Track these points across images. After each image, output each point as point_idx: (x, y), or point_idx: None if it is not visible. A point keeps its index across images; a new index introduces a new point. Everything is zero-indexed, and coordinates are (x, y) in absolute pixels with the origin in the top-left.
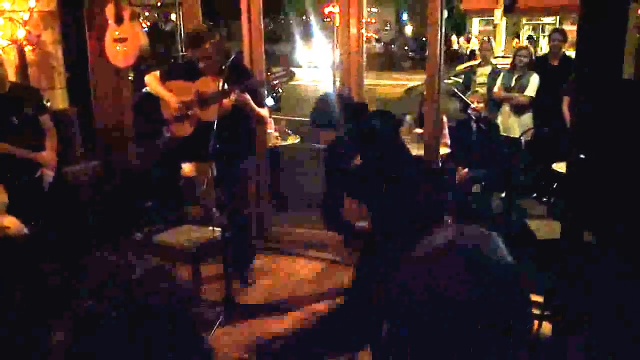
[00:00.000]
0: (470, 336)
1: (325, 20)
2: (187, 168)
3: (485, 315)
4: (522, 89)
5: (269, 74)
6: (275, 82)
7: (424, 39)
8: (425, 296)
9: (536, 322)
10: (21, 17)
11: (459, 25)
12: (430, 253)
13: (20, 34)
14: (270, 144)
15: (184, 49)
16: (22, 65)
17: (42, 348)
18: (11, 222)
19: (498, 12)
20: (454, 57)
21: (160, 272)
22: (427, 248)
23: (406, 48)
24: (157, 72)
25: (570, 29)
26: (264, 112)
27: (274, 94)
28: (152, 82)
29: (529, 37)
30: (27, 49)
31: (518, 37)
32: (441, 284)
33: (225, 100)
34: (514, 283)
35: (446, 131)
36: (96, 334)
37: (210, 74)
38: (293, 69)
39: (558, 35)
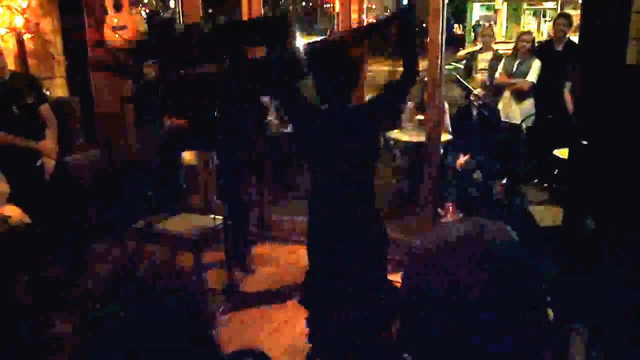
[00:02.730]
0: (486, 329)
1: (324, 5)
2: (187, 156)
3: (501, 308)
4: (523, 74)
5: None
6: None
7: (424, 24)
8: (440, 290)
9: None
10: (19, 5)
11: (459, 11)
12: (445, 247)
13: (19, 22)
14: (270, 132)
15: None
16: (21, 54)
17: (43, 338)
18: (13, 211)
19: None
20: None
21: (161, 263)
22: (442, 242)
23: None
24: None
25: (572, 13)
26: (264, 99)
27: None
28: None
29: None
30: (26, 37)
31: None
32: (456, 278)
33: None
34: (528, 276)
35: (447, 117)
36: (101, 327)
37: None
38: None
39: (563, 20)
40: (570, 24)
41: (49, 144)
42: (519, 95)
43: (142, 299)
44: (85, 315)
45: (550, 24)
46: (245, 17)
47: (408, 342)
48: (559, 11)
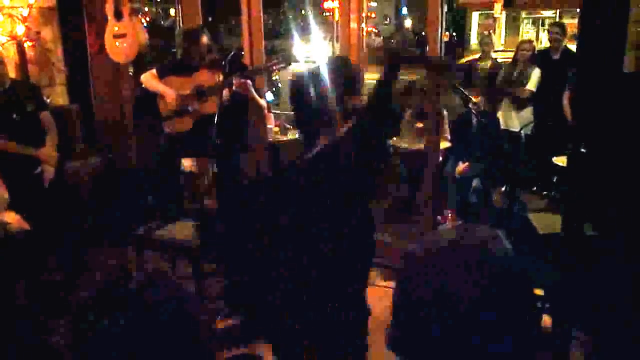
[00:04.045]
0: (476, 335)
1: (324, 14)
2: (187, 163)
3: (491, 314)
4: (523, 83)
5: (267, 65)
6: (274, 69)
7: (423, 33)
8: (430, 295)
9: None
10: (20, 14)
11: (458, 19)
12: (436, 252)
13: (20, 30)
14: (270, 139)
15: (178, 47)
16: (22, 62)
17: (42, 344)
18: (12, 218)
19: (498, 6)
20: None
21: (160, 272)
22: (433, 247)
23: (406, 42)
24: (154, 70)
25: (571, 22)
26: (263, 102)
27: (273, 89)
28: (150, 80)
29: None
30: (27, 45)
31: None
32: (447, 284)
33: (225, 91)
34: (519, 282)
35: (446, 125)
36: (97, 335)
37: (208, 67)
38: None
39: (557, 29)
40: (564, 33)
41: (48, 151)
42: (518, 104)
43: (138, 305)
44: (82, 320)
45: None
46: (245, 24)
47: (400, 346)
48: (557, 20)
